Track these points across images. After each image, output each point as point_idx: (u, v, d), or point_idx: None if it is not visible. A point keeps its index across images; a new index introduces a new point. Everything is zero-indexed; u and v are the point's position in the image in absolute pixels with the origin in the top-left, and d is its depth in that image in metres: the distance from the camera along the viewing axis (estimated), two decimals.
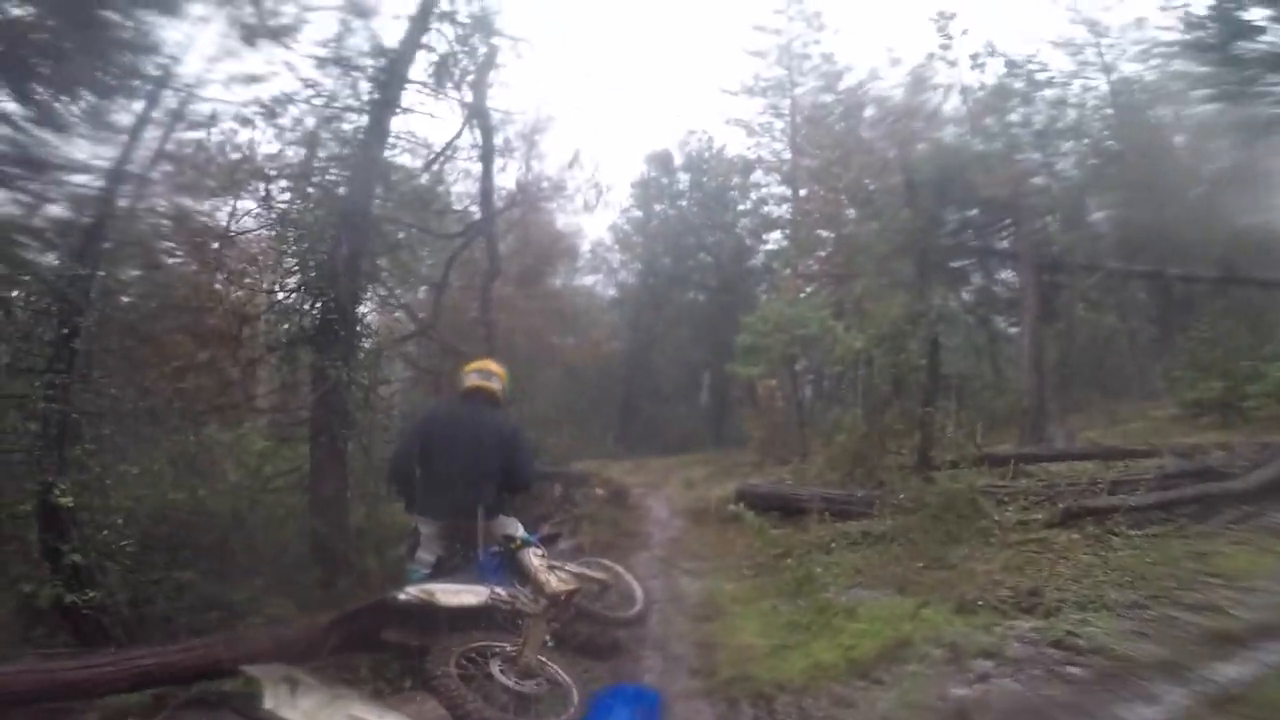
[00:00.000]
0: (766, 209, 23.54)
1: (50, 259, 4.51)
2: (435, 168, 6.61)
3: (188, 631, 3.91)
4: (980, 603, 4.69)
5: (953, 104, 13.36)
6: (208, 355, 4.83)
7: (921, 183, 10.78)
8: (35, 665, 3.08)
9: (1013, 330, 14.33)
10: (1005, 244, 13.51)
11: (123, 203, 4.72)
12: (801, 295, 14.54)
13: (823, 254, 17.45)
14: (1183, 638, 3.93)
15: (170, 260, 5.41)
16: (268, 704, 2.68)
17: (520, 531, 4.43)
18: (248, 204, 5.82)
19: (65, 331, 4.06)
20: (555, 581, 4.02)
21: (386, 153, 5.80)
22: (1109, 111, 13.80)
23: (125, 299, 5.06)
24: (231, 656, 3.29)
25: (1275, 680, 3.33)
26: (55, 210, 4.51)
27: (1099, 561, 5.18)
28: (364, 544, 5.00)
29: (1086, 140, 12.81)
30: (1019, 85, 12.44)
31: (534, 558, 4.17)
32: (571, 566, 4.76)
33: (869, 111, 15.80)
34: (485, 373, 4.74)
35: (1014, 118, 12.30)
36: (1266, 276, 11.24)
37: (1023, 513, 6.39)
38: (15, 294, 4.21)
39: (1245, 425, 9.20)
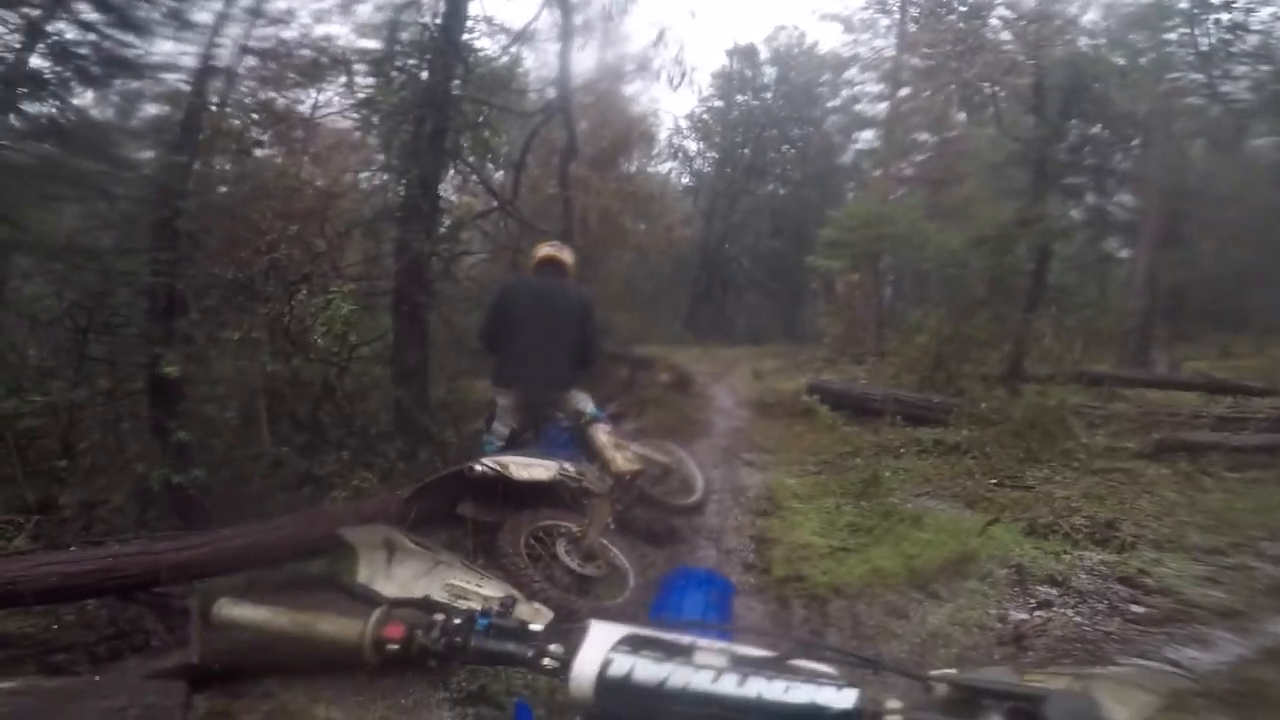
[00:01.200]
0: (859, 107, 22.29)
1: (148, 153, 4.67)
2: (514, 49, 6.24)
3: (283, 508, 3.95)
4: (1053, 528, 4.42)
5: (1090, 16, 11.79)
6: (295, 230, 4.81)
7: (1051, 89, 9.57)
8: (141, 548, 3.07)
9: (1124, 254, 13.18)
10: (1128, 164, 12.17)
11: (212, 97, 4.81)
12: (891, 196, 13.65)
13: (920, 158, 16.26)
14: (1255, 589, 3.66)
15: (259, 149, 5.42)
16: (361, 576, 2.60)
17: (590, 407, 4.33)
18: (331, 94, 5.71)
19: (166, 215, 4.08)
20: (622, 460, 3.97)
21: (466, 36, 5.50)
22: None
23: (220, 186, 5.19)
24: (317, 533, 3.30)
25: None
26: (149, 109, 4.74)
27: (1185, 500, 4.81)
28: (444, 417, 5.04)
29: (1267, 67, 11.15)
30: (1183, 4, 10.82)
31: (603, 434, 4.10)
32: (636, 447, 4.65)
33: (997, 12, 13.99)
34: (557, 245, 4.64)
35: (1171, 36, 10.92)
36: None
37: (1113, 438, 5.96)
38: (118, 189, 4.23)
39: None
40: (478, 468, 3.48)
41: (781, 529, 4.83)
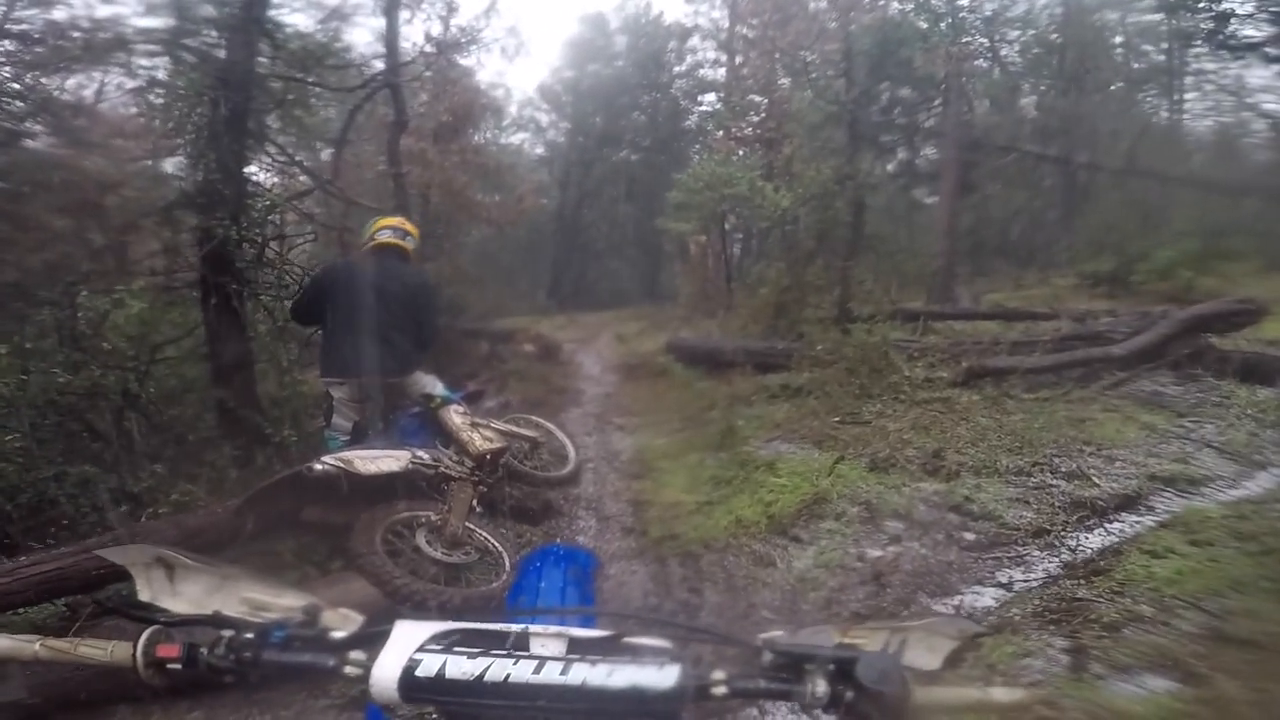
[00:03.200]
0: (702, 72, 22.58)
1: None
2: (332, 24, 5.48)
3: (98, 530, 3.39)
4: (891, 461, 4.64)
5: None
6: (69, 225, 4.01)
7: (859, 54, 9.99)
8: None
9: (929, 201, 14.27)
10: (932, 122, 13.09)
11: None
12: (733, 157, 13.85)
13: (756, 118, 16.60)
14: (1055, 505, 3.99)
15: (28, 140, 4.47)
16: (143, 595, 2.29)
17: (440, 389, 3.95)
18: (115, 78, 4.77)
19: None
20: (480, 440, 3.62)
21: (271, 11, 4.76)
22: (1059, 9, 13.42)
23: None
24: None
25: (1131, 554, 3.35)
26: None
27: (994, 425, 5.18)
28: (279, 414, 4.40)
29: (1033, 31, 12.25)
30: None
31: (455, 415, 3.74)
32: (499, 424, 4.33)
33: None
34: (397, 230, 4.10)
35: (963, 1, 11.60)
36: (1164, 171, 11.35)
37: (930, 370, 6.35)
38: None
39: (1131, 297, 9.44)
40: (318, 467, 3.05)
41: (653, 490, 4.78)
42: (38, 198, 3.91)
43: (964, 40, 11.15)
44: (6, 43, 4.24)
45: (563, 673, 0.66)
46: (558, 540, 4.08)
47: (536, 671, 0.66)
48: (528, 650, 0.70)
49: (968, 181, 12.03)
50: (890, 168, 14.43)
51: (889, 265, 10.23)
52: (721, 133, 17.24)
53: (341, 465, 3.09)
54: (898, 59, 10.17)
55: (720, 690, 0.69)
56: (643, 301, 18.29)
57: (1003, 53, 12.79)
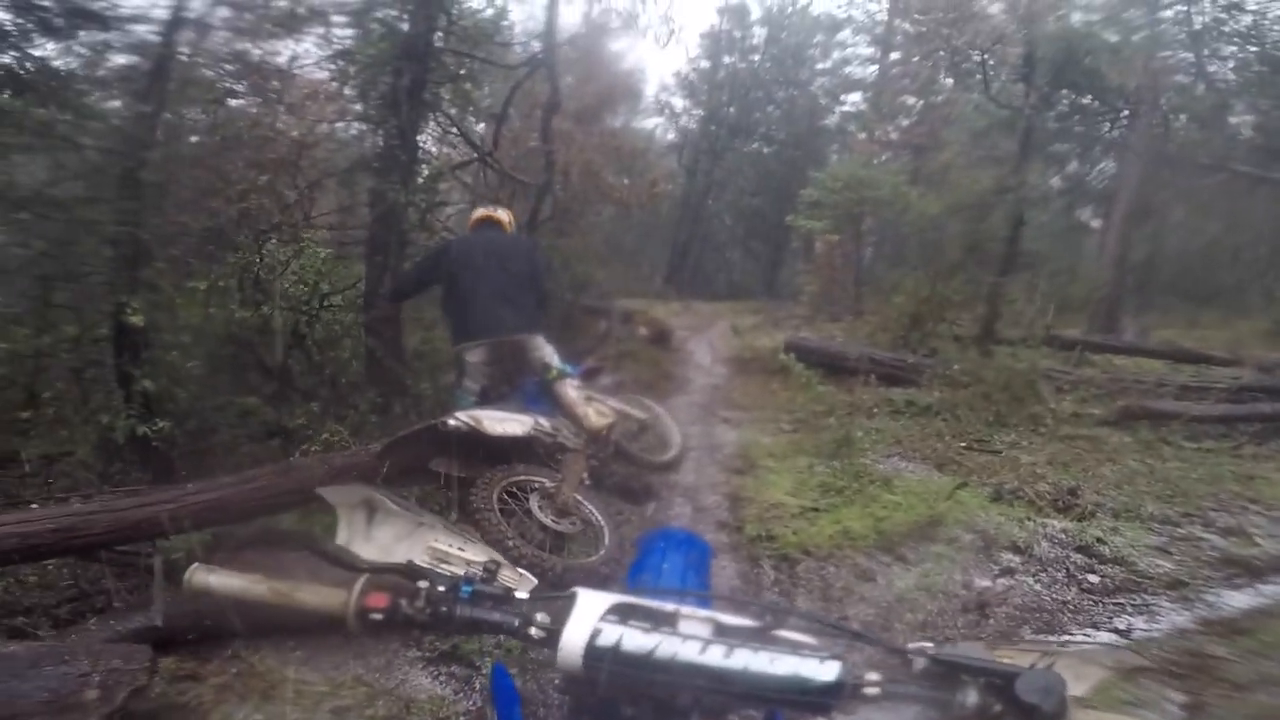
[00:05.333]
0: (848, 69, 21.88)
1: (116, 104, 4.39)
2: (499, 2, 5.83)
3: (250, 461, 3.73)
4: (1018, 494, 4.38)
5: None
6: (267, 180, 4.55)
7: (1041, 60, 9.26)
8: (102, 505, 2.83)
9: (1094, 224, 13.07)
10: (1116, 133, 11.89)
11: (183, 48, 4.51)
12: (875, 160, 13.34)
13: (906, 122, 15.87)
14: (1201, 560, 3.69)
15: (233, 99, 5.10)
16: (340, 537, 2.45)
17: (557, 361, 4.14)
18: (308, 45, 5.37)
19: (131, 165, 3.83)
20: (594, 415, 3.79)
21: None
22: None
23: (191, 137, 4.91)
24: (287, 488, 3.15)
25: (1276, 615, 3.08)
26: (118, 60, 4.37)
27: (1145, 470, 4.78)
28: (419, 368, 4.80)
29: (1256, 48, 10.87)
30: None
31: (572, 390, 3.92)
32: (612, 402, 4.50)
33: None
34: (491, 207, 4.52)
35: (1167, 14, 10.65)
36: None
37: (1080, 404, 5.90)
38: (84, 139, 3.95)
39: None
40: (451, 422, 3.28)
41: (755, 488, 4.74)
42: (240, 153, 4.45)
43: (1163, 54, 10.11)
44: (223, 9, 4.78)
45: (726, 656, 0.69)
46: (652, 524, 4.16)
47: (702, 652, 0.69)
48: (675, 629, 0.74)
49: (1145, 205, 10.88)
50: (1055, 181, 13.32)
51: (1046, 287, 9.50)
52: (865, 134, 16.63)
53: (472, 422, 3.30)
54: (1083, 68, 9.33)
55: (874, 691, 0.69)
56: (760, 297, 18.01)
57: (1212, 69, 11.37)
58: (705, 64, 22.62)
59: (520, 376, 4.21)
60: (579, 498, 3.48)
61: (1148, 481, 4.55)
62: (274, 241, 4.65)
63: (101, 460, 3.75)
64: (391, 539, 2.45)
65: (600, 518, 3.50)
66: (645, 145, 16.47)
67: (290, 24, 4.71)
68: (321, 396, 4.57)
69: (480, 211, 4.47)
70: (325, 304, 4.85)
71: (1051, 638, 3.01)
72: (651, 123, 22.45)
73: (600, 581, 3.20)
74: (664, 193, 14.37)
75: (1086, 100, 11.99)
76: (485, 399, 4.11)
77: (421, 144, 5.54)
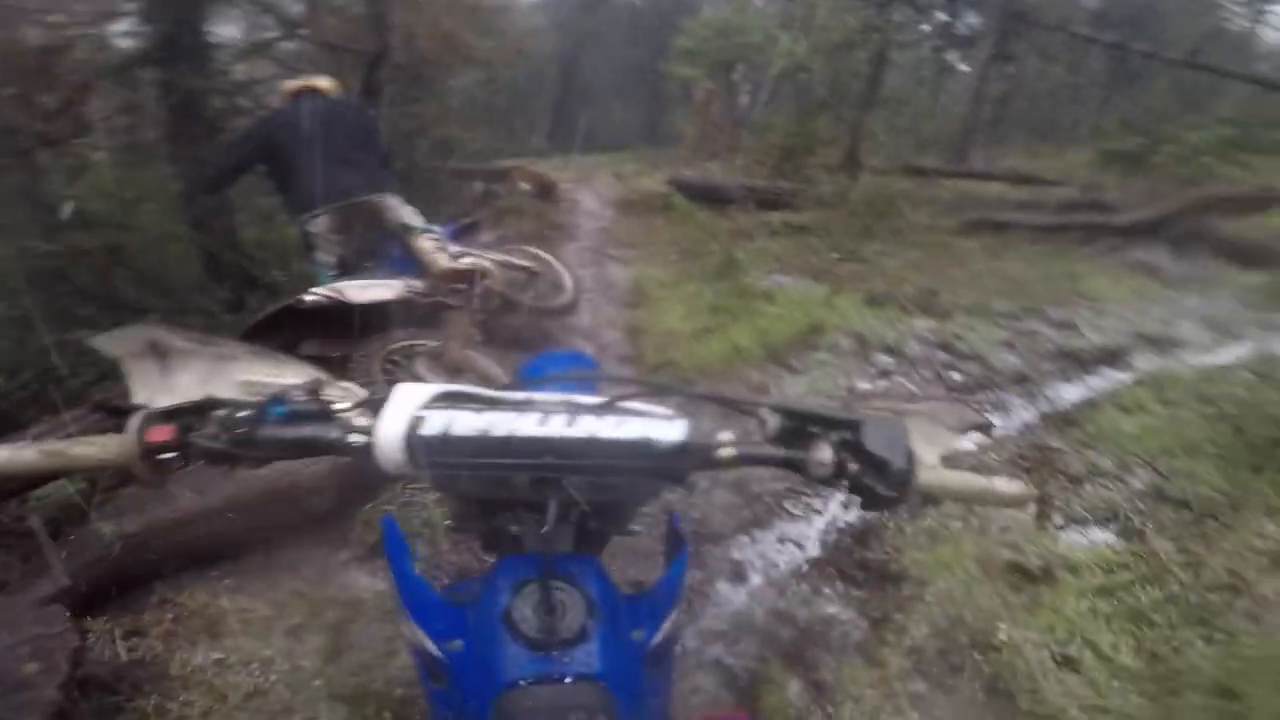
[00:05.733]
0: None
1: None
2: None
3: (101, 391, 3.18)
4: (888, 297, 4.71)
5: None
6: (13, 92, 3.71)
7: None
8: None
9: (963, 69, 13.40)
10: None
11: None
12: (748, 7, 12.83)
13: None
14: (1040, 353, 4.13)
15: None
16: (137, 396, 2.24)
17: (420, 221, 3.74)
18: None
19: None
20: (444, 260, 3.43)
21: None
22: None
23: None
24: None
25: (1105, 408, 3.53)
26: None
27: (991, 272, 5.23)
28: (265, 256, 4.31)
29: None
30: None
31: (426, 241, 3.56)
32: (494, 255, 4.25)
33: None
34: (306, 78, 3.87)
35: None
36: (1222, 66, 10.44)
37: (934, 218, 6.30)
38: None
39: (1147, 177, 9.01)
40: (309, 298, 2.94)
41: (650, 318, 4.82)
42: None
43: None
44: None
45: (569, 425, 0.63)
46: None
47: (542, 424, 0.63)
48: (520, 410, 0.66)
49: (1005, 51, 11.25)
50: (926, 28, 13.41)
51: (908, 124, 9.76)
52: None
53: (334, 294, 2.98)
54: None
55: (727, 453, 0.66)
56: (643, 145, 17.55)
57: None
58: None
59: (381, 243, 3.78)
60: (469, 353, 3.30)
61: (994, 281, 5.01)
62: (42, 158, 3.86)
63: None
64: (195, 381, 2.26)
65: (497, 369, 3.34)
66: (506, 4, 14.92)
67: None
68: (159, 307, 4.04)
69: (293, 83, 3.85)
70: (135, 212, 4.19)
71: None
72: None
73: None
74: (530, 50, 13.26)
75: None
76: (346, 270, 3.74)
77: (218, 27, 4.67)
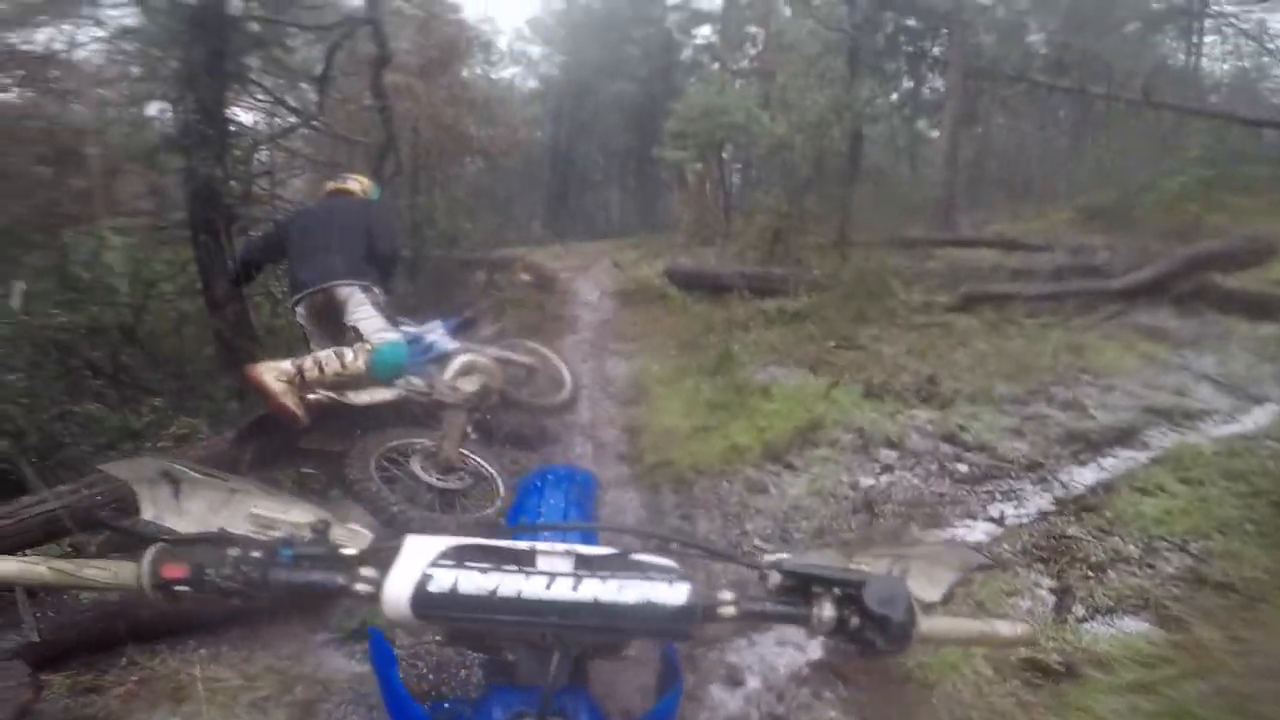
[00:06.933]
0: (696, 4, 21.46)
1: None
2: None
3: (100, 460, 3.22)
4: (886, 387, 4.48)
5: None
6: (50, 171, 3.81)
7: None
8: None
9: (933, 134, 13.68)
10: (937, 51, 12.34)
11: None
12: (726, 88, 13.19)
13: (752, 50, 15.79)
14: (1050, 438, 3.87)
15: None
16: (146, 512, 2.15)
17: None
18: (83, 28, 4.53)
19: None
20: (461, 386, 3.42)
21: None
22: None
23: None
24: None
25: (1122, 491, 3.26)
26: None
27: (992, 349, 5.02)
28: (275, 343, 4.21)
29: None
30: None
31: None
32: (493, 350, 4.18)
33: None
34: (343, 177, 3.96)
35: None
36: (1182, 103, 10.58)
37: (928, 294, 6.13)
38: None
39: (1131, 231, 8.88)
40: (310, 396, 2.90)
41: (648, 415, 4.62)
42: (18, 149, 3.67)
43: None
44: None
45: (574, 588, 0.63)
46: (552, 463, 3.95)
47: (548, 587, 0.63)
48: (535, 567, 0.66)
49: (972, 112, 11.43)
50: (894, 98, 13.74)
51: (889, 195, 9.80)
52: (718, 64, 16.45)
53: (333, 394, 2.94)
54: None
55: (729, 611, 0.67)
56: (639, 231, 17.81)
57: None
58: (559, 5, 21.56)
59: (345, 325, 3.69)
60: (465, 451, 3.19)
61: (996, 361, 4.78)
62: (69, 234, 3.90)
63: None
64: (205, 510, 2.18)
65: (491, 469, 3.24)
66: (505, 95, 15.51)
67: (51, 8, 3.83)
68: (168, 390, 3.95)
69: (330, 184, 3.93)
70: (151, 293, 4.18)
71: (920, 536, 3.05)
72: (510, 72, 21.26)
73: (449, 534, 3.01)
74: (528, 139, 13.67)
75: (910, 22, 12.34)
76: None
77: (237, 116, 4.83)
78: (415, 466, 3.02)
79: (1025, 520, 3.12)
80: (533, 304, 7.67)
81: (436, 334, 3.87)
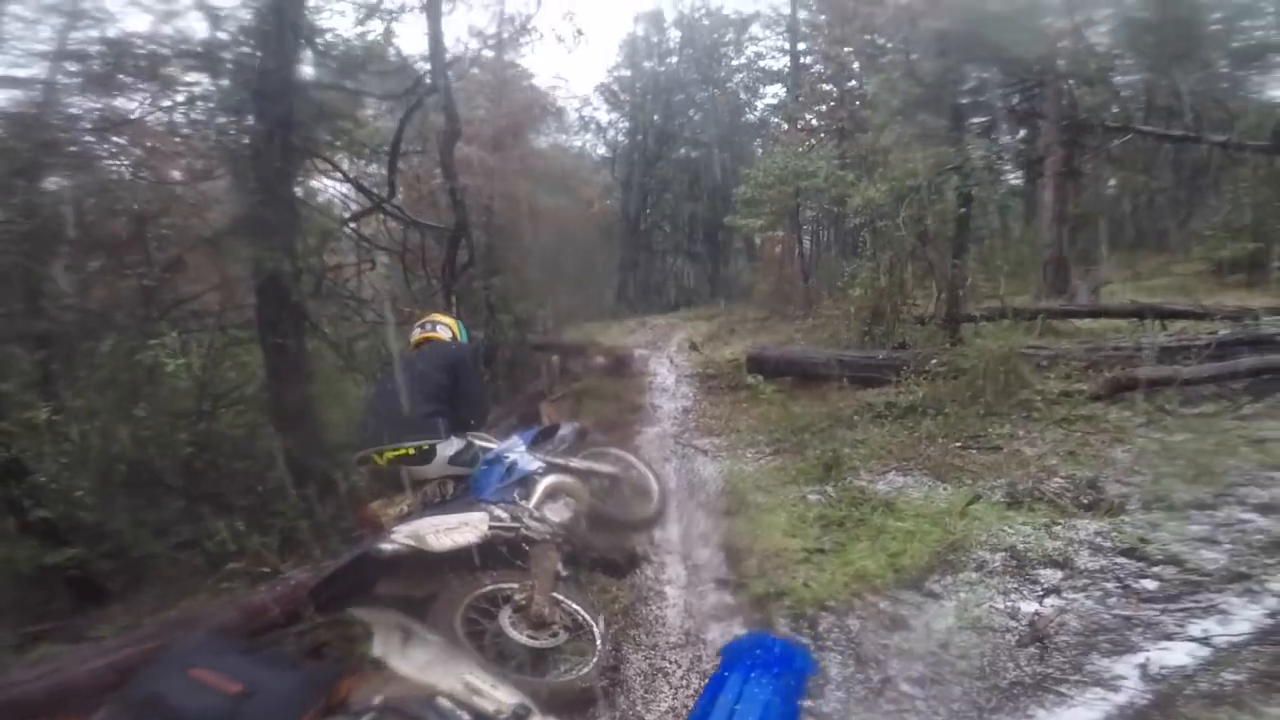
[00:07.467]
0: (764, 63, 22.12)
1: None
2: (374, 24, 5.08)
3: (186, 573, 3.39)
4: (1036, 495, 3.98)
5: None
6: (104, 263, 3.83)
7: (946, 34, 9.12)
8: (44, 668, 2.65)
9: (1021, 187, 13.20)
10: (1024, 104, 12.03)
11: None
12: (801, 149, 13.13)
13: (825, 108, 15.85)
14: (1252, 545, 3.34)
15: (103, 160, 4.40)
16: (377, 650, 2.31)
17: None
18: (157, 94, 4.51)
19: None
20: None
21: (310, 15, 4.47)
22: None
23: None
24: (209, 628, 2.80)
25: None
26: None
27: (1156, 447, 4.44)
28: (346, 458, 4.15)
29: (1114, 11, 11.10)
30: None
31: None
32: (576, 462, 4.00)
33: None
34: (430, 324, 3.93)
35: None
36: None
37: (1066, 382, 5.56)
38: None
39: (1271, 287, 8.15)
40: (387, 548, 2.73)
41: (749, 531, 4.23)
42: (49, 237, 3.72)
43: (1045, 21, 10.14)
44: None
45: None
46: (644, 596, 3.60)
47: None
48: None
49: (1073, 166, 10.93)
50: (981, 153, 13.41)
51: (1000, 260, 9.27)
52: (788, 125, 16.54)
53: (413, 542, 2.78)
54: (982, 40, 9.19)
55: None
56: (710, 300, 17.73)
57: (1086, 33, 11.57)
58: (626, 72, 22.46)
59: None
60: (557, 597, 2.97)
61: (1163, 460, 4.22)
62: (131, 338, 3.94)
63: (17, 593, 3.14)
64: (426, 661, 2.25)
65: (586, 614, 3.01)
66: (576, 164, 15.98)
67: (140, 73, 3.96)
68: (240, 507, 3.89)
69: (417, 334, 3.91)
70: (217, 404, 4.15)
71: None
72: (580, 140, 22.15)
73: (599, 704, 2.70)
74: (604, 209, 13.90)
75: (992, 73, 12.07)
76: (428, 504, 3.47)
77: (303, 196, 4.78)
78: (504, 620, 2.84)
79: (1239, 639, 2.66)
80: (609, 394, 7.50)
81: (517, 452, 3.69)
